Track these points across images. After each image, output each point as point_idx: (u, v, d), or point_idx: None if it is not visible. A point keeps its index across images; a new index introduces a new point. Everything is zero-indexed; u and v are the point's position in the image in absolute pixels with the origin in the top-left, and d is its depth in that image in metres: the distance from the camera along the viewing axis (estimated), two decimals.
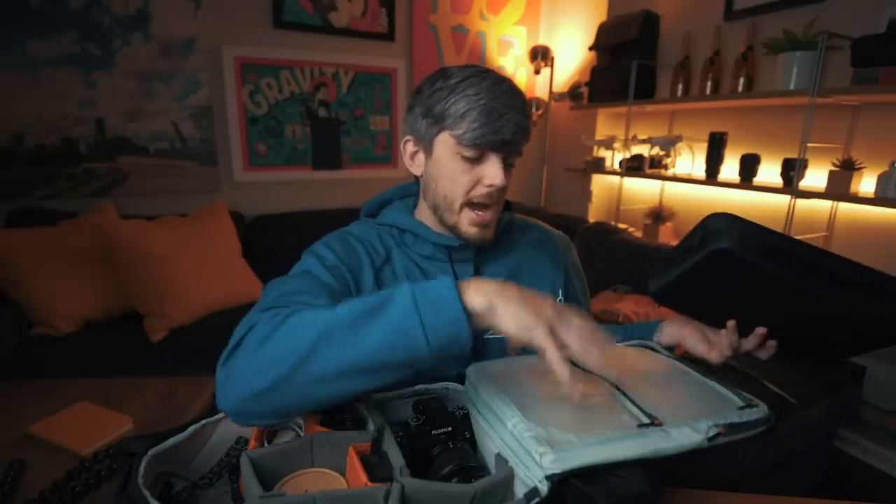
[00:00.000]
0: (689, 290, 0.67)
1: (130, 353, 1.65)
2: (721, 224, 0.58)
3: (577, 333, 0.49)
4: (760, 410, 0.53)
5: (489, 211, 0.71)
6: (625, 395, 0.54)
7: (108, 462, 0.69)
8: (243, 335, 0.53)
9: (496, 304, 0.48)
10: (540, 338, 0.48)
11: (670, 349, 0.78)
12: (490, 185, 0.68)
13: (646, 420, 0.50)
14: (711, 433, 0.49)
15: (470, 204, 0.70)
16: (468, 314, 0.48)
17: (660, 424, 0.49)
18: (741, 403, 0.53)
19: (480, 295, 0.49)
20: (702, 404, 0.54)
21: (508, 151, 0.68)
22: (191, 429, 0.57)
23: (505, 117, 0.65)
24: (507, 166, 0.70)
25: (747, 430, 0.51)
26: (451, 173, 0.69)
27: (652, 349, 0.71)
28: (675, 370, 0.63)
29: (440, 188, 0.71)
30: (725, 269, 0.59)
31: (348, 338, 0.48)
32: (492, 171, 0.68)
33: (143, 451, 0.51)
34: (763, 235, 0.58)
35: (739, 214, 0.60)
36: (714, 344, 0.71)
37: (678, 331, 0.76)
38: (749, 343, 0.68)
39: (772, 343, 0.69)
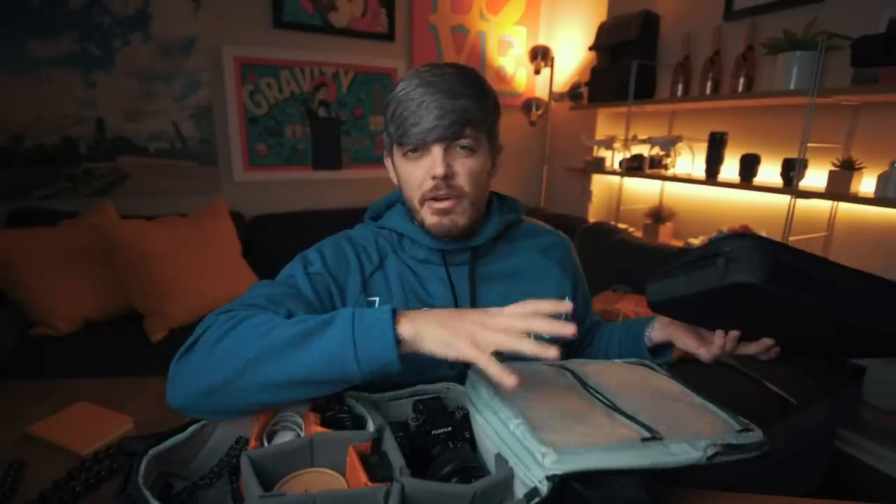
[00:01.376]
0: (695, 307, 0.65)
1: (130, 353, 1.65)
2: (746, 252, 0.52)
3: (504, 329, 0.49)
4: (757, 435, 0.54)
5: (447, 200, 0.70)
6: (623, 412, 0.54)
7: (108, 462, 0.69)
8: (199, 335, 0.56)
9: (419, 329, 0.50)
10: (462, 351, 0.49)
11: (663, 348, 0.78)
12: (433, 177, 0.68)
13: (647, 434, 0.50)
14: (710, 452, 0.49)
15: (426, 198, 0.70)
16: (399, 342, 0.50)
17: (660, 439, 0.49)
18: (739, 427, 0.54)
19: (409, 323, 0.51)
20: (701, 424, 0.54)
21: (442, 138, 0.66)
22: (191, 429, 0.57)
23: (423, 106, 0.65)
24: (461, 150, 0.68)
25: (744, 452, 0.52)
26: (404, 174, 0.72)
27: (651, 368, 0.71)
28: (674, 389, 0.63)
29: (405, 191, 0.74)
30: (746, 297, 0.55)
31: (288, 354, 0.51)
32: (431, 162, 0.68)
33: (143, 451, 0.51)
34: (793, 263, 0.52)
35: (750, 228, 0.56)
36: (706, 343, 0.70)
37: (669, 327, 0.75)
38: (752, 349, 0.66)
39: (775, 349, 0.67)
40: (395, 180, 0.78)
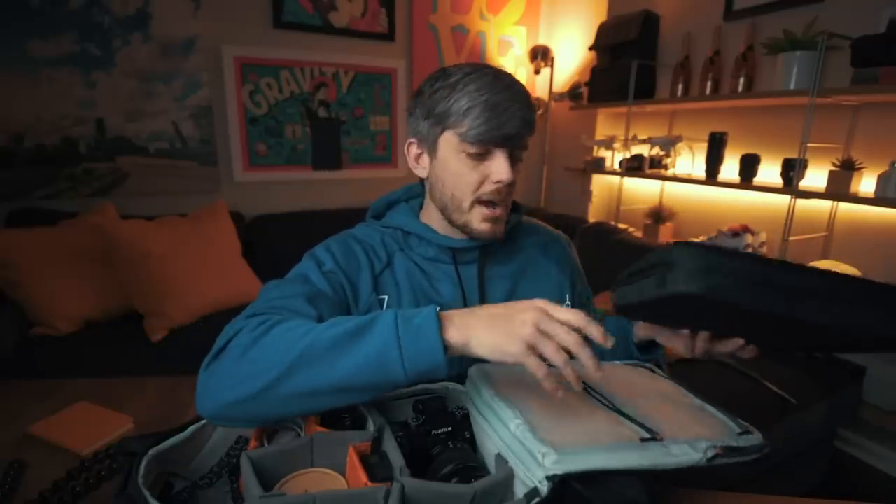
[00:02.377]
0: (654, 313, 0.65)
1: (130, 353, 1.65)
2: (682, 261, 0.52)
3: (557, 347, 0.47)
4: (756, 437, 0.54)
5: (500, 208, 0.71)
6: (623, 413, 0.54)
7: (108, 462, 0.69)
8: (227, 341, 0.54)
9: (471, 336, 0.49)
10: (518, 359, 0.47)
11: (652, 344, 0.77)
12: (498, 181, 0.68)
13: (647, 435, 0.50)
14: (710, 454, 0.49)
15: (480, 202, 0.70)
16: (446, 347, 0.48)
17: (661, 440, 0.49)
18: (739, 430, 0.54)
19: (457, 330, 0.49)
20: (701, 426, 0.54)
21: (514, 146, 0.68)
22: (191, 429, 0.57)
23: (509, 111, 0.65)
24: (514, 161, 0.69)
25: (743, 454, 0.52)
26: (457, 172, 0.69)
27: (651, 370, 0.71)
28: (674, 392, 0.64)
29: (447, 188, 0.71)
30: (693, 304, 0.55)
31: (328, 359, 0.49)
32: (499, 167, 0.67)
33: (143, 451, 0.51)
34: (734, 269, 0.52)
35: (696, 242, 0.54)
36: (683, 339, 0.68)
37: (650, 325, 0.74)
38: (725, 347, 0.65)
39: (750, 347, 0.65)
40: (419, 171, 0.76)
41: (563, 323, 0.48)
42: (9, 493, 0.63)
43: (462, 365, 0.64)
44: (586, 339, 0.49)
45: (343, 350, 0.49)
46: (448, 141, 0.69)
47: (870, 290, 0.51)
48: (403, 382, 0.49)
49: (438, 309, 0.50)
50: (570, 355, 0.48)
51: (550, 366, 0.48)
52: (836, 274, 0.52)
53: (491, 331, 0.48)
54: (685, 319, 0.65)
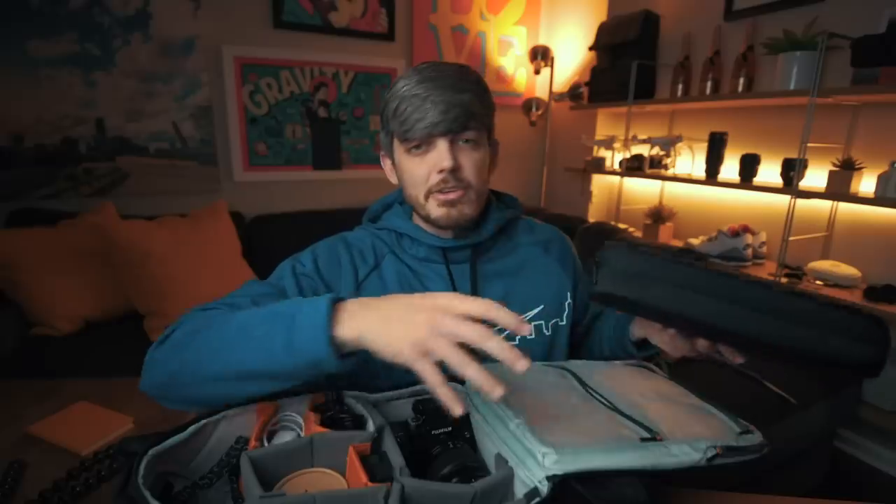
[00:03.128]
0: (612, 303, 0.65)
1: (130, 353, 1.64)
2: (606, 260, 0.53)
3: (452, 346, 0.42)
4: (757, 437, 0.54)
5: (453, 192, 0.70)
6: (623, 413, 0.54)
7: (108, 462, 0.69)
8: (173, 329, 0.58)
9: (363, 332, 0.45)
10: (410, 364, 0.43)
11: (647, 346, 0.77)
12: (441, 170, 0.68)
13: (647, 435, 0.50)
14: (710, 454, 0.49)
15: (431, 192, 0.70)
16: (337, 343, 0.45)
17: (661, 440, 0.49)
18: (739, 429, 0.54)
19: (348, 324, 0.46)
20: (701, 426, 0.54)
21: (449, 131, 0.67)
22: (191, 429, 0.57)
23: (429, 99, 0.65)
24: (464, 144, 0.69)
25: (743, 454, 0.52)
26: (408, 170, 0.71)
27: (651, 369, 0.71)
28: (674, 391, 0.64)
29: (408, 189, 0.73)
30: (623, 304, 0.55)
31: (238, 342, 0.50)
32: (437, 156, 0.68)
33: (143, 451, 0.51)
34: (643, 267, 0.52)
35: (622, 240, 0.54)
36: (671, 342, 0.68)
37: (644, 325, 0.74)
38: (700, 346, 0.64)
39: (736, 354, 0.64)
40: (393, 179, 0.78)
41: (464, 316, 0.43)
42: (9, 493, 0.63)
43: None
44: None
45: (241, 338, 0.50)
46: (396, 145, 0.72)
47: (825, 311, 0.50)
48: (292, 370, 0.48)
49: (334, 297, 0.48)
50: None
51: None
52: (780, 290, 0.52)
53: (384, 330, 0.44)
54: (644, 311, 0.63)
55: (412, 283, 0.74)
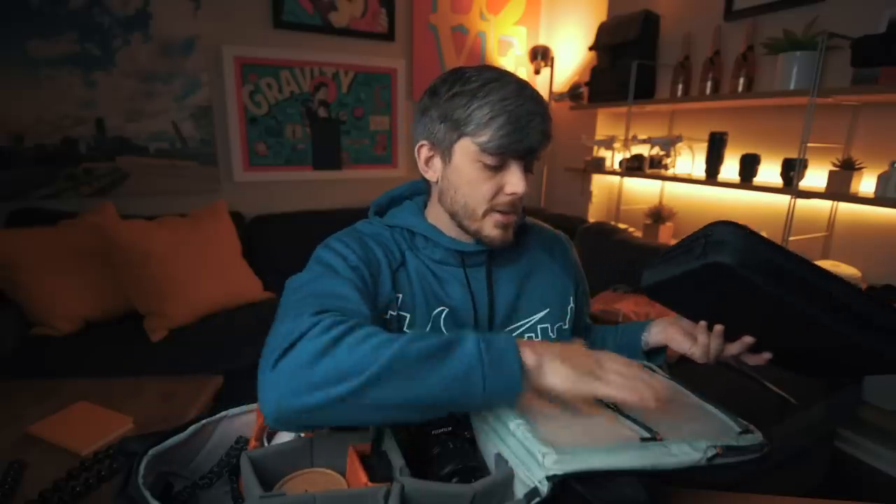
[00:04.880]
0: (682, 292, 0.66)
1: (130, 353, 1.65)
2: (725, 235, 0.55)
3: (618, 378, 0.52)
4: (757, 437, 0.54)
5: (512, 216, 0.71)
6: (623, 413, 0.54)
7: (108, 462, 0.69)
8: (296, 339, 0.50)
9: (544, 363, 0.52)
10: (591, 389, 0.51)
11: (656, 351, 0.78)
12: (512, 194, 0.67)
13: (647, 434, 0.50)
14: (710, 453, 0.49)
15: (493, 210, 0.69)
16: (523, 372, 0.50)
17: (661, 440, 0.49)
18: (739, 429, 0.54)
19: (533, 355, 0.52)
20: (701, 426, 0.54)
21: (530, 158, 0.68)
22: (191, 429, 0.57)
23: (531, 124, 0.64)
24: (527, 172, 0.69)
25: (744, 454, 0.52)
26: (472, 181, 0.68)
27: (651, 369, 0.71)
28: (674, 391, 0.64)
29: (460, 195, 0.69)
30: (722, 281, 0.57)
31: (413, 375, 0.48)
32: (514, 180, 0.67)
33: (143, 451, 0.51)
34: (768, 252, 0.55)
35: (744, 223, 0.57)
36: (699, 343, 0.70)
37: (665, 330, 0.76)
38: (734, 348, 0.67)
39: (766, 354, 0.67)
40: (428, 175, 0.73)
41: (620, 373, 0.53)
42: (9, 493, 0.63)
43: None
44: None
45: (430, 365, 0.48)
46: (464, 148, 0.67)
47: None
48: (480, 404, 0.51)
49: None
50: None
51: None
52: (874, 299, 0.54)
53: (564, 362, 0.52)
54: (706, 302, 0.66)
55: (431, 284, 0.73)
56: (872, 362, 0.59)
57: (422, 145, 0.72)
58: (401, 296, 0.71)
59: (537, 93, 0.67)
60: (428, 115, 0.69)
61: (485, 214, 0.69)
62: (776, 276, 0.53)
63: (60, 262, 1.72)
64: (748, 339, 0.65)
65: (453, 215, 0.72)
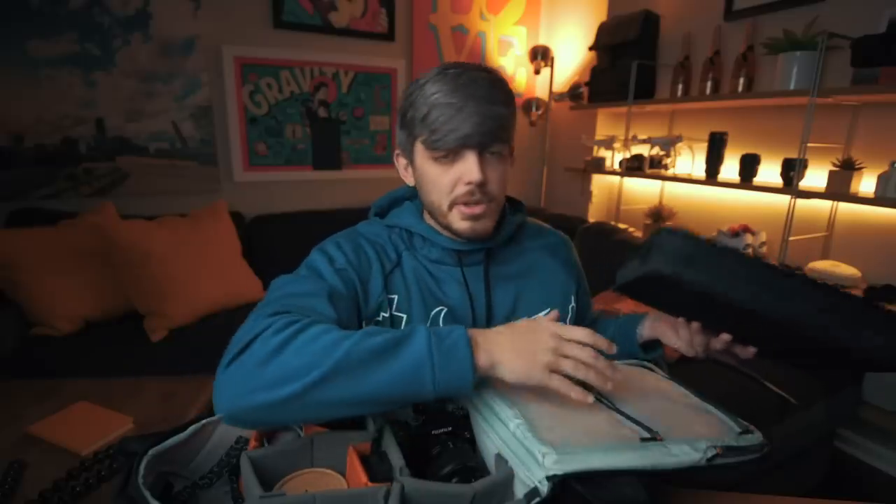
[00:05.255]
0: (650, 292, 0.66)
1: (130, 353, 1.65)
2: (661, 243, 0.55)
3: (575, 363, 0.53)
4: (757, 437, 0.54)
5: (478, 206, 0.69)
6: (623, 413, 0.54)
7: (108, 462, 0.69)
8: (251, 339, 0.51)
9: (497, 360, 0.53)
10: (542, 381, 0.52)
11: (654, 345, 0.78)
12: (468, 183, 0.66)
13: (647, 435, 0.50)
14: (710, 453, 0.49)
15: (455, 202, 0.69)
16: (474, 369, 0.51)
17: (661, 440, 0.49)
18: (739, 430, 0.54)
19: (485, 354, 0.52)
20: (701, 426, 0.54)
21: (481, 143, 0.66)
22: (191, 429, 0.57)
23: (464, 110, 0.63)
24: (491, 156, 0.68)
25: (744, 454, 0.52)
26: (431, 178, 0.69)
27: (651, 370, 0.71)
28: (675, 391, 0.64)
29: (427, 194, 0.71)
30: (668, 287, 0.57)
31: (363, 370, 0.49)
32: (465, 168, 0.66)
33: (143, 451, 0.51)
34: (704, 258, 0.54)
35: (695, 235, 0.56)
36: (681, 337, 0.70)
37: (657, 323, 0.76)
38: (717, 344, 0.66)
39: (750, 348, 0.66)
40: (408, 180, 0.76)
41: (575, 341, 0.54)
42: (9, 493, 0.63)
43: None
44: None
45: (378, 363, 0.50)
46: (418, 149, 0.69)
47: (861, 308, 0.52)
48: (431, 399, 0.51)
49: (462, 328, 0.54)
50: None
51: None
52: (824, 286, 0.53)
53: (516, 358, 0.52)
54: (674, 301, 0.66)
55: (429, 284, 0.74)
56: (842, 358, 0.58)
57: (397, 154, 0.76)
58: (396, 296, 0.71)
59: (482, 79, 0.65)
60: (397, 124, 0.73)
61: (450, 208, 0.70)
62: (715, 279, 0.53)
63: (60, 262, 1.72)
64: (725, 337, 0.65)
65: (431, 214, 0.74)
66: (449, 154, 0.66)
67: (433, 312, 0.72)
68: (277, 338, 0.51)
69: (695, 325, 0.67)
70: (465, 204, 0.69)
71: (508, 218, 0.79)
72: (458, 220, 0.70)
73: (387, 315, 0.70)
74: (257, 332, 0.52)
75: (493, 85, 0.66)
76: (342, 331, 0.53)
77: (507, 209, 0.81)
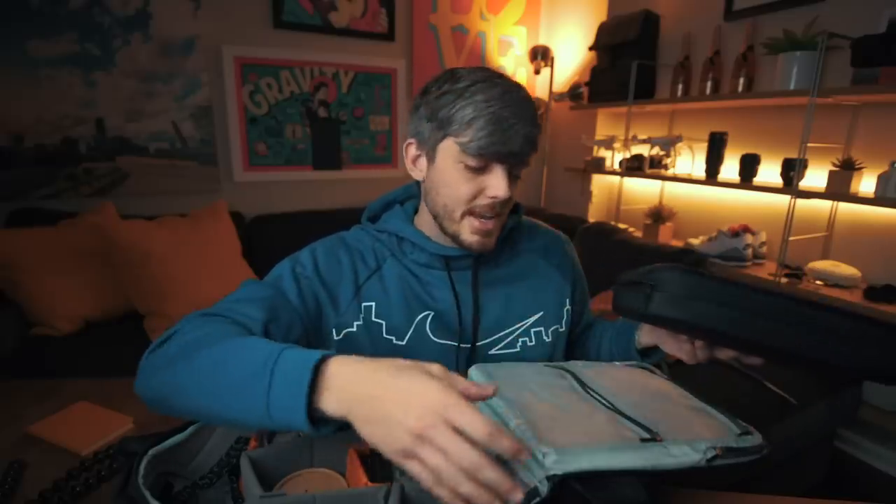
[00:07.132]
0: (650, 323, 0.67)
1: (130, 353, 1.64)
2: (667, 282, 0.54)
3: (437, 465, 0.38)
4: (756, 438, 0.54)
5: (492, 221, 0.69)
6: (623, 414, 0.54)
7: (108, 462, 0.69)
8: (167, 337, 0.55)
9: (352, 415, 0.42)
10: (396, 461, 0.40)
11: (653, 350, 0.78)
12: (493, 197, 0.66)
13: (647, 435, 0.50)
14: (710, 454, 0.49)
15: (471, 213, 0.68)
16: (317, 416, 0.43)
17: (660, 440, 0.49)
18: (739, 431, 0.54)
19: (337, 401, 0.42)
20: (701, 427, 0.54)
21: (514, 163, 0.66)
22: (191, 429, 0.57)
23: (514, 128, 0.63)
24: (513, 178, 0.68)
25: (743, 455, 0.52)
26: (452, 182, 0.67)
27: (651, 370, 0.71)
28: (674, 392, 0.63)
29: (441, 196, 0.69)
30: (672, 325, 0.57)
31: (219, 388, 0.47)
32: (496, 183, 0.65)
33: (143, 451, 0.51)
34: (707, 295, 0.54)
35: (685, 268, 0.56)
36: (684, 349, 0.69)
37: (655, 330, 0.74)
38: (721, 354, 0.66)
39: (755, 359, 0.65)
40: (415, 174, 0.74)
41: (462, 432, 0.38)
42: (9, 493, 0.63)
43: (463, 364, 0.64)
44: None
45: (227, 380, 0.47)
46: (448, 149, 0.66)
47: (864, 327, 0.52)
48: (269, 425, 0.44)
49: (323, 356, 0.44)
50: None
51: None
52: (830, 307, 0.53)
53: (370, 418, 0.41)
54: (679, 331, 0.66)
55: (414, 288, 0.73)
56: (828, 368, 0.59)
57: (409, 143, 0.73)
58: (374, 304, 0.71)
59: (527, 99, 0.66)
60: (417, 113, 0.70)
61: (462, 216, 0.68)
62: (732, 320, 0.53)
63: (60, 262, 1.72)
64: (730, 353, 0.64)
65: (435, 216, 0.72)
66: (482, 165, 0.65)
67: (418, 318, 0.72)
68: (186, 337, 0.54)
69: (699, 343, 0.66)
70: (482, 217, 0.68)
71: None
72: (469, 233, 0.69)
73: (360, 323, 0.70)
74: (179, 327, 0.56)
75: (530, 104, 0.66)
76: (225, 343, 0.50)
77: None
